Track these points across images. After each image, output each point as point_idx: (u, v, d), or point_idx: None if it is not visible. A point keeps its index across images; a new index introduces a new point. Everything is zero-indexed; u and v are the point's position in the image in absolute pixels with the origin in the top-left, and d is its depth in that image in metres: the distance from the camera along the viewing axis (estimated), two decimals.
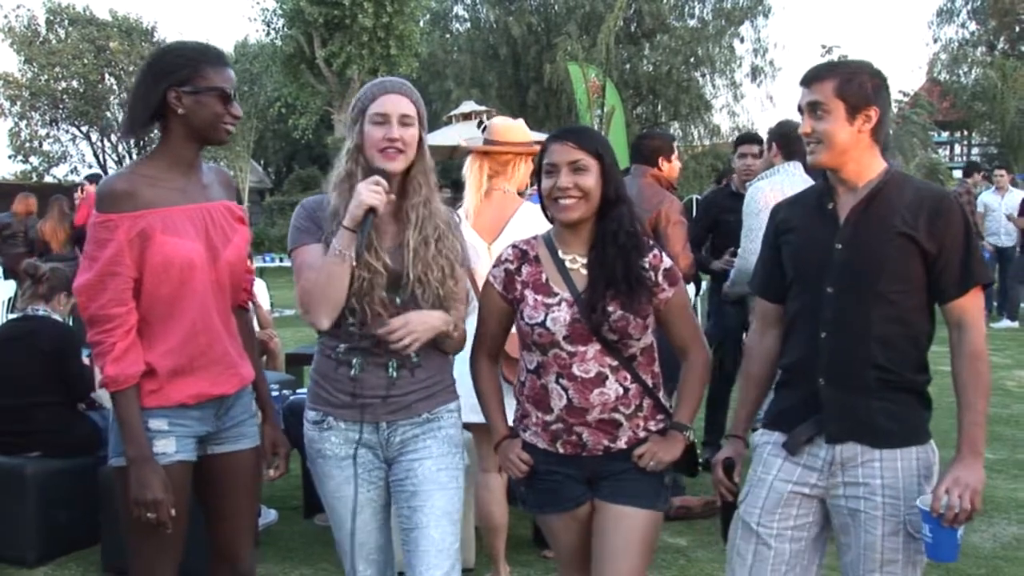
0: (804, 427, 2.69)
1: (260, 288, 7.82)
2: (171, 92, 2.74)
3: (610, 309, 2.78)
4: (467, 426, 3.50)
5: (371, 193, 2.71)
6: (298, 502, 5.62)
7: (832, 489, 2.68)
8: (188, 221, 2.76)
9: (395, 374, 2.85)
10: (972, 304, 2.63)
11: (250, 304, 3.13)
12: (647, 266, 2.86)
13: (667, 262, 2.92)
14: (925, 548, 2.57)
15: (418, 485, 2.87)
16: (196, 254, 2.74)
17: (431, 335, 2.81)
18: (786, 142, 5.28)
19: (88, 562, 4.90)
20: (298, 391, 5.63)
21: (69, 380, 4.98)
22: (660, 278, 2.88)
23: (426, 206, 2.86)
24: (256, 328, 7.15)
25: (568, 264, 2.88)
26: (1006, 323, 13.24)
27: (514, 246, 3.00)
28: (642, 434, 2.87)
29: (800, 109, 2.72)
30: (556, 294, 2.85)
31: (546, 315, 2.82)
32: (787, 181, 4.96)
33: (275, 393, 5.25)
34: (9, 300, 10.45)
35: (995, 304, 13.63)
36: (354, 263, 2.73)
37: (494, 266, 3.00)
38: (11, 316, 6.48)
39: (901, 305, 2.62)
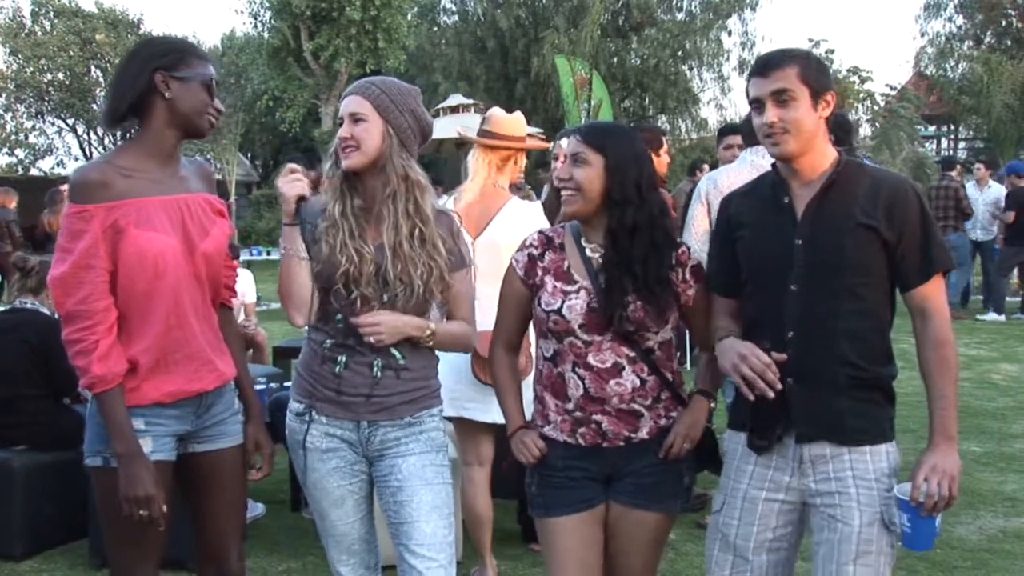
0: (772, 427, 2.63)
1: (248, 281, 7.80)
2: (159, 75, 2.71)
3: (628, 299, 2.74)
4: (449, 420, 3.48)
5: (287, 184, 2.80)
6: (285, 496, 5.62)
7: (807, 491, 2.63)
8: (163, 213, 2.71)
9: (379, 374, 2.83)
10: (935, 291, 2.58)
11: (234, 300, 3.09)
12: (673, 262, 2.82)
13: (695, 259, 2.87)
14: (903, 538, 2.54)
15: (403, 481, 2.84)
16: (169, 248, 2.69)
17: (396, 338, 2.78)
18: (746, 135, 5.16)
19: (75, 555, 4.89)
20: (286, 384, 5.62)
21: (55, 374, 4.96)
22: (688, 275, 2.84)
23: (397, 201, 2.79)
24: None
25: (590, 253, 2.85)
26: (992, 316, 13.29)
27: (541, 232, 2.97)
28: (664, 423, 2.83)
29: (757, 101, 2.59)
30: (576, 282, 2.82)
31: (563, 303, 2.79)
32: (736, 168, 4.75)
33: (262, 387, 5.25)
34: None
35: (981, 298, 13.70)
36: (301, 256, 2.78)
37: (518, 251, 2.96)
38: None
39: (867, 298, 2.58)
